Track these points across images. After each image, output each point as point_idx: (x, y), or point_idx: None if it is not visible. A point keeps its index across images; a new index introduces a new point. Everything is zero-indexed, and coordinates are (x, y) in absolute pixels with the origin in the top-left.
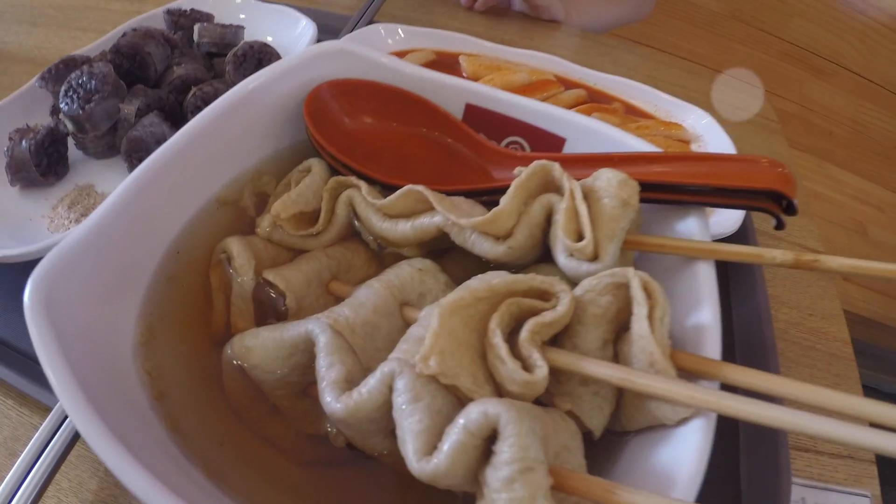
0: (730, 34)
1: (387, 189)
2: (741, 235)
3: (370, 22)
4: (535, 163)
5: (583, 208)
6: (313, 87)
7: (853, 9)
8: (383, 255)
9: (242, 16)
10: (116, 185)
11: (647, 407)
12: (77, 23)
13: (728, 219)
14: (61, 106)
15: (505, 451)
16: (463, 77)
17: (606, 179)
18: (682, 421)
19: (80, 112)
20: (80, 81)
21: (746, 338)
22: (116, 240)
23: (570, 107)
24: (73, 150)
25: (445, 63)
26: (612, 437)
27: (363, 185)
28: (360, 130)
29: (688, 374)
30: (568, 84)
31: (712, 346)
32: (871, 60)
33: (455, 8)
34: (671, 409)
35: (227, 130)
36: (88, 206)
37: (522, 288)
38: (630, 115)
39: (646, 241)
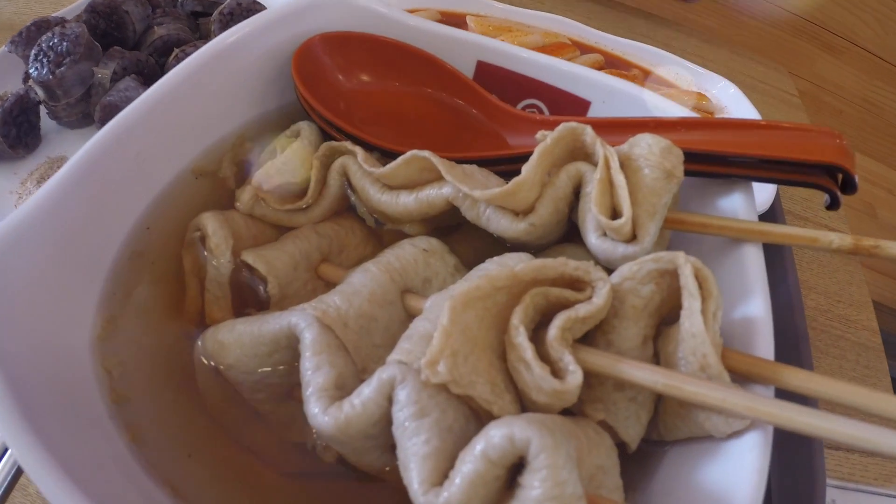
0: (742, 7)
1: (387, 156)
2: (770, 215)
3: None
4: (563, 125)
5: (621, 179)
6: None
7: None
8: (382, 233)
9: None
10: None
11: (695, 417)
12: None
13: (757, 197)
14: (31, 71)
15: (536, 486)
16: None
17: (647, 146)
18: (734, 434)
19: (51, 77)
20: (50, 44)
21: (777, 327)
22: (71, 219)
23: None
24: (46, 120)
25: (452, 24)
26: (647, 448)
27: (359, 151)
28: (356, 90)
29: (738, 376)
30: (583, 48)
31: (764, 344)
32: (884, 38)
33: None
34: (724, 421)
35: (203, 91)
36: None
37: (551, 275)
38: (650, 84)
39: (687, 219)
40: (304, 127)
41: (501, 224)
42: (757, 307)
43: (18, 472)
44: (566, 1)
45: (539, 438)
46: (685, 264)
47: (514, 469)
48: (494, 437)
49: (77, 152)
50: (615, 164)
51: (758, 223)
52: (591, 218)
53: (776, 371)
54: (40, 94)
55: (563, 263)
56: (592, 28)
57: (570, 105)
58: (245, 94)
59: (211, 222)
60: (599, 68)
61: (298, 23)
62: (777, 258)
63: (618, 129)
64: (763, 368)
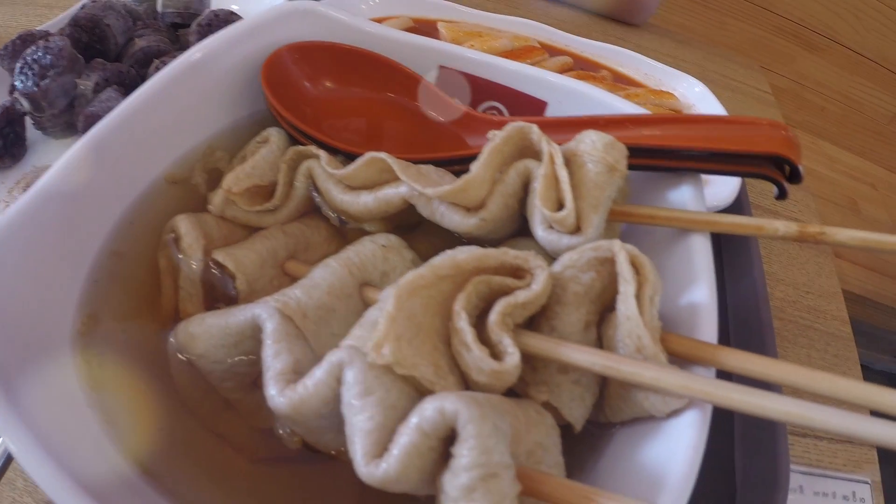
0: (722, 7)
1: (351, 159)
2: (736, 209)
3: None
4: (511, 125)
5: (563, 174)
6: (272, 52)
7: None
8: (346, 231)
9: None
10: None
11: (635, 397)
12: None
13: (721, 191)
14: (16, 83)
15: (464, 454)
16: None
17: (591, 142)
18: (674, 413)
19: (35, 89)
20: (34, 57)
21: (742, 317)
22: (54, 223)
23: None
24: (31, 131)
25: (424, 31)
26: (595, 430)
27: (323, 154)
28: (323, 97)
29: (681, 359)
30: (553, 51)
31: (708, 328)
32: (864, 35)
33: None
34: (661, 401)
35: (177, 100)
36: None
37: (492, 264)
38: (618, 84)
39: (634, 211)
40: (273, 133)
41: (454, 220)
42: (702, 294)
43: (5, 467)
44: (538, 6)
45: (466, 410)
46: (620, 251)
47: (448, 441)
48: (427, 411)
49: (58, 160)
50: (559, 160)
51: (704, 213)
52: (538, 211)
53: (715, 353)
54: (26, 105)
55: (503, 253)
56: (563, 31)
57: (528, 106)
58: (217, 103)
59: (184, 224)
60: (568, 70)
61: (267, 34)
62: (743, 250)
63: (569, 127)
64: (703, 351)
